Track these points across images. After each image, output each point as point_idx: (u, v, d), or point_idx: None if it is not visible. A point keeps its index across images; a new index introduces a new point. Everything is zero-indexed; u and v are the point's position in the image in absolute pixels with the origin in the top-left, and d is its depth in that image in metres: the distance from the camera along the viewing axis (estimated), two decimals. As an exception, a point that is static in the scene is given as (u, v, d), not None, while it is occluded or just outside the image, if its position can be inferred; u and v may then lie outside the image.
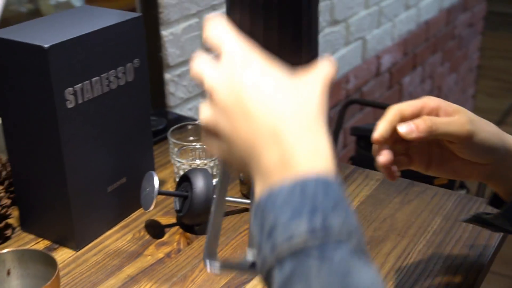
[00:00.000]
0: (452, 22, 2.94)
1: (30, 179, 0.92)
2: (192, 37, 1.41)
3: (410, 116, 0.70)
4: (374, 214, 1.01)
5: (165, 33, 1.34)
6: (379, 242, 0.93)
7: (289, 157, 0.44)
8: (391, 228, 0.97)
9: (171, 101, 1.40)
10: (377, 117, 2.40)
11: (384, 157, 0.70)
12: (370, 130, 2.05)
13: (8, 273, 0.74)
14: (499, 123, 3.38)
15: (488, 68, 3.95)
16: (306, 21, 0.52)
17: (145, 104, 0.98)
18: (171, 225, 0.98)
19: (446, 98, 3.08)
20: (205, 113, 0.50)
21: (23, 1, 1.33)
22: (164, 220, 0.99)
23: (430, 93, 2.90)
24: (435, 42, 2.79)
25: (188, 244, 0.94)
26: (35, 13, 1.33)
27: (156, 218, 1.00)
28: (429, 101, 0.71)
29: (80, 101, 0.86)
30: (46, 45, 0.80)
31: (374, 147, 0.71)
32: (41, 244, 0.93)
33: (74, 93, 0.85)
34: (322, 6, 1.88)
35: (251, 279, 0.83)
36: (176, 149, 1.06)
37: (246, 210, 1.01)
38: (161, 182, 1.08)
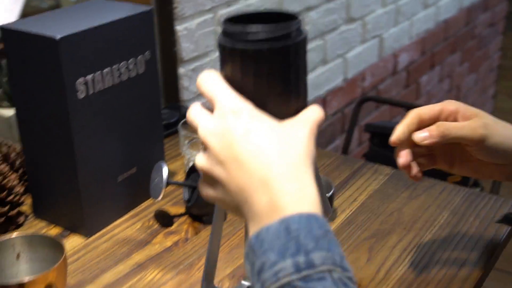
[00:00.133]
0: (472, 21, 2.92)
1: (42, 167, 0.94)
2: (206, 32, 1.43)
3: (428, 120, 0.74)
4: (382, 208, 1.01)
5: (179, 28, 1.36)
6: (385, 235, 0.94)
7: (276, 201, 0.48)
8: (397, 222, 0.97)
9: (185, 95, 1.42)
10: (393, 115, 2.39)
11: (402, 158, 0.74)
12: (384, 127, 2.05)
13: (18, 257, 0.76)
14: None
15: (509, 69, 3.90)
16: (294, 71, 0.55)
17: (155, 96, 1.00)
18: (179, 215, 1.00)
19: (465, 98, 3.06)
20: (201, 162, 0.54)
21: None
22: (173, 210, 1.01)
23: (449, 92, 2.88)
24: (454, 42, 2.78)
25: (196, 233, 0.95)
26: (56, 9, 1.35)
27: (165, 208, 1.01)
28: (448, 105, 0.74)
29: (91, 92, 0.88)
30: (58, 37, 0.82)
31: (396, 149, 0.75)
32: (53, 231, 0.96)
33: (85, 84, 0.87)
34: (338, 3, 1.89)
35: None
36: (186, 142, 1.07)
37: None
38: (172, 174, 1.10)
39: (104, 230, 0.96)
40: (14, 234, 0.76)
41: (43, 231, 0.95)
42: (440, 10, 2.54)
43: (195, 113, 0.55)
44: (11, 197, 0.95)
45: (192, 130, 0.55)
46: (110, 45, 0.89)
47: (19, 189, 0.96)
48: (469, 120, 0.73)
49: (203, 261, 0.89)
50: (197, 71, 1.43)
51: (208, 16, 1.43)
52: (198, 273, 0.86)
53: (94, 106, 0.89)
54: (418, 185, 1.07)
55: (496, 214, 0.98)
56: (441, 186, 1.06)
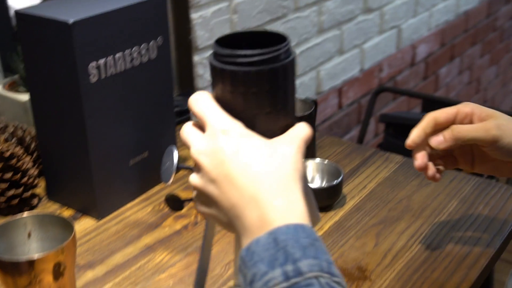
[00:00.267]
0: (494, 13, 2.89)
1: (55, 150, 0.96)
2: (221, 21, 1.44)
3: (444, 123, 0.76)
4: (391, 195, 1.02)
5: (194, 16, 1.37)
6: (393, 222, 0.94)
7: (266, 216, 0.51)
8: (406, 209, 0.98)
9: (199, 83, 1.43)
10: (411, 107, 2.38)
11: (418, 160, 0.77)
12: (399, 117, 2.05)
13: (29, 236, 0.78)
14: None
15: (532, 62, 3.85)
16: (282, 92, 0.57)
17: (167, 81, 1.01)
18: (190, 200, 1.00)
19: (485, 91, 3.03)
20: (194, 180, 0.57)
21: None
22: (184, 194, 1.02)
23: (468, 85, 2.86)
24: (475, 34, 2.75)
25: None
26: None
27: (176, 192, 1.03)
28: (463, 108, 0.76)
29: (103, 76, 0.89)
30: (70, 21, 0.83)
31: (412, 152, 0.78)
32: (66, 213, 0.98)
33: (98, 68, 0.88)
34: (355, -7, 1.89)
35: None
36: (198, 127, 1.08)
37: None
38: (183, 159, 1.11)
39: (115, 213, 0.98)
40: (25, 214, 0.77)
41: (56, 213, 0.97)
42: (461, 2, 2.52)
43: (187, 133, 0.58)
44: (25, 179, 0.97)
45: (186, 147, 0.57)
46: (123, 30, 0.91)
47: (33, 171, 0.98)
48: (483, 122, 0.75)
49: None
50: (212, 59, 1.44)
51: (224, 4, 1.43)
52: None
53: (106, 90, 0.91)
54: (428, 173, 1.07)
55: (507, 203, 0.98)
56: (451, 175, 1.06)
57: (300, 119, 1.03)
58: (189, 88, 1.41)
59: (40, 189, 1.02)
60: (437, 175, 0.78)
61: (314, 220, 0.80)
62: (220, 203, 0.55)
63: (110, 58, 0.89)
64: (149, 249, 0.90)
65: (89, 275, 0.85)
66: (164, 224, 0.95)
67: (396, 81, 2.23)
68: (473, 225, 0.93)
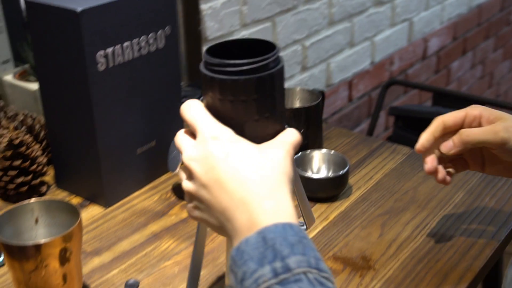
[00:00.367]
0: (507, 7, 2.87)
1: (64, 139, 0.97)
2: (231, 12, 1.44)
3: (453, 126, 0.77)
4: (397, 186, 1.02)
5: (204, 7, 1.37)
6: (399, 212, 0.94)
7: (255, 218, 0.53)
8: (412, 200, 0.98)
9: (209, 74, 1.43)
10: (422, 101, 2.37)
11: (428, 164, 0.79)
12: (408, 110, 2.04)
13: (36, 222, 0.79)
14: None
15: (546, 57, 3.82)
16: (270, 99, 0.59)
17: (175, 71, 1.02)
18: (196, 189, 1.01)
19: (498, 85, 3.01)
20: (187, 186, 0.59)
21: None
22: (190, 184, 1.03)
23: (481, 79, 2.84)
24: (488, 27, 2.73)
25: (212, 206, 0.97)
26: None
27: (183, 182, 1.03)
28: (472, 110, 0.77)
29: (111, 65, 0.90)
30: (79, 9, 0.84)
31: (423, 155, 0.80)
32: (74, 201, 0.99)
33: (105, 57, 0.89)
34: (367, -14, 1.88)
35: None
36: (206, 117, 1.09)
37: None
38: (191, 149, 1.11)
39: (122, 201, 0.99)
40: (33, 199, 0.78)
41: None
42: (474, -5, 2.51)
43: (180, 140, 0.60)
44: (34, 167, 0.98)
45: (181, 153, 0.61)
46: (131, 19, 0.91)
47: (42, 159, 0.99)
48: (491, 124, 0.75)
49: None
50: (221, 50, 1.45)
51: (233, -5, 1.44)
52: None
53: (114, 78, 0.91)
54: (435, 165, 1.06)
55: (513, 195, 0.98)
56: (459, 167, 1.06)
57: (307, 109, 1.04)
58: (198, 78, 1.42)
59: (49, 177, 1.03)
60: (448, 178, 0.80)
61: (309, 221, 0.82)
62: (211, 207, 0.56)
63: (118, 47, 0.90)
64: (155, 236, 0.91)
65: (96, 261, 0.86)
66: (171, 213, 0.96)
67: (407, 75, 2.23)
68: (479, 217, 0.93)
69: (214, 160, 0.56)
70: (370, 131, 1.93)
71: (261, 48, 0.61)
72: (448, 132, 0.77)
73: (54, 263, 0.72)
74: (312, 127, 1.05)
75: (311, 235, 0.89)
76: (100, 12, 0.87)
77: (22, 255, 0.71)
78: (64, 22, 0.86)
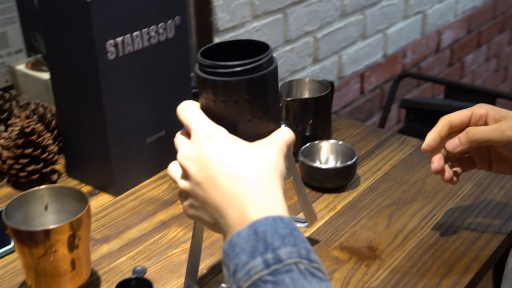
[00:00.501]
0: (524, 0, 2.85)
1: (74, 128, 0.98)
2: (242, 3, 1.44)
3: (459, 125, 0.77)
4: (405, 177, 1.02)
5: (215, -2, 1.38)
6: (406, 203, 0.95)
7: (246, 212, 0.54)
8: (420, 191, 0.98)
9: (220, 65, 1.44)
10: (435, 94, 2.36)
11: (435, 164, 0.79)
12: (419, 103, 2.03)
13: (46, 208, 0.80)
14: None
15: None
16: (262, 100, 0.61)
17: (185, 61, 1.02)
18: (205, 178, 1.02)
19: (512, 79, 2.96)
20: (183, 184, 0.60)
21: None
22: (199, 173, 1.03)
23: (495, 73, 2.82)
24: (503, 21, 2.71)
25: (220, 196, 0.98)
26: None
27: (192, 171, 1.04)
28: (478, 109, 0.77)
29: (121, 54, 0.91)
30: (89, -2, 0.85)
31: (429, 154, 0.80)
32: (84, 189, 1.00)
33: (115, 46, 0.90)
34: (379, -22, 1.87)
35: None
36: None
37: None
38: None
39: (132, 190, 1.00)
40: (42, 186, 0.79)
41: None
42: (489, -12, 2.49)
43: (176, 140, 0.62)
44: (45, 155, 0.99)
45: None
46: (140, 9, 0.92)
47: (53, 148, 1.01)
48: (498, 123, 0.75)
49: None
50: (232, 41, 1.45)
51: (245, -13, 1.44)
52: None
53: (124, 67, 0.92)
54: (444, 156, 1.06)
55: (522, 187, 0.97)
56: (468, 159, 1.06)
57: (316, 100, 1.04)
58: (209, 70, 1.42)
59: (60, 166, 1.05)
60: (454, 178, 0.80)
61: (311, 219, 0.82)
62: (206, 205, 0.58)
63: (127, 36, 0.91)
64: (164, 225, 0.92)
65: (105, 248, 0.87)
66: (179, 202, 0.96)
67: (420, 67, 2.22)
68: (486, 209, 0.93)
69: (207, 158, 0.57)
70: (382, 124, 1.93)
71: (257, 48, 0.62)
72: (454, 131, 0.78)
73: (62, 249, 0.73)
74: (321, 117, 1.05)
75: (318, 225, 0.90)
76: (110, 1, 0.87)
77: (31, 240, 0.72)
78: (75, 11, 0.87)
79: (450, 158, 0.81)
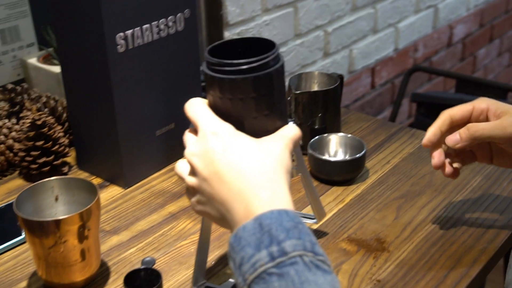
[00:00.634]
0: (537, -6, 2.82)
1: (84, 120, 0.99)
2: (252, -3, 1.44)
3: (460, 120, 0.77)
4: (414, 170, 1.02)
5: (225, -8, 1.38)
6: (415, 196, 0.95)
7: (251, 207, 0.55)
8: (429, 184, 0.98)
9: (230, 59, 1.44)
10: (446, 89, 2.34)
11: (435, 159, 0.79)
12: (430, 97, 2.02)
13: (56, 199, 0.81)
14: None
15: None
16: (269, 97, 0.61)
17: (194, 54, 1.03)
18: (214, 171, 1.03)
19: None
20: (190, 180, 0.61)
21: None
22: (208, 166, 1.04)
23: (508, 67, 2.80)
24: (516, 15, 2.69)
25: (229, 188, 0.98)
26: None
27: (201, 164, 1.05)
28: (479, 104, 0.77)
29: (130, 47, 0.92)
30: (99, -8, 0.85)
31: (430, 150, 0.80)
32: (94, 182, 1.00)
33: (125, 39, 0.90)
34: (391, -29, 1.86)
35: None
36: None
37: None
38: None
39: (141, 182, 1.01)
40: (53, 177, 0.80)
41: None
42: (502, -19, 2.47)
43: (185, 137, 0.63)
44: (56, 148, 1.00)
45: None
46: (150, 2, 0.92)
47: (64, 140, 1.02)
48: (499, 119, 0.75)
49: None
50: (242, 35, 1.46)
51: (255, -20, 1.44)
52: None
53: (134, 60, 0.93)
54: (454, 150, 1.06)
55: (532, 181, 0.97)
56: (478, 152, 1.05)
57: (325, 93, 1.04)
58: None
59: (70, 158, 1.06)
60: (456, 172, 0.80)
61: (320, 215, 0.82)
62: (212, 200, 0.59)
63: (137, 29, 0.92)
64: (173, 217, 0.92)
65: (114, 240, 0.88)
66: (188, 194, 0.97)
67: (431, 62, 2.21)
68: (495, 202, 0.92)
69: (213, 154, 0.58)
70: (393, 118, 1.92)
71: (264, 46, 0.63)
72: (455, 126, 0.77)
73: (72, 240, 0.74)
74: (330, 110, 1.05)
75: (326, 217, 0.90)
76: (120, -5, 0.88)
77: (42, 231, 0.73)
78: (85, 5, 0.87)
79: (451, 153, 0.81)
